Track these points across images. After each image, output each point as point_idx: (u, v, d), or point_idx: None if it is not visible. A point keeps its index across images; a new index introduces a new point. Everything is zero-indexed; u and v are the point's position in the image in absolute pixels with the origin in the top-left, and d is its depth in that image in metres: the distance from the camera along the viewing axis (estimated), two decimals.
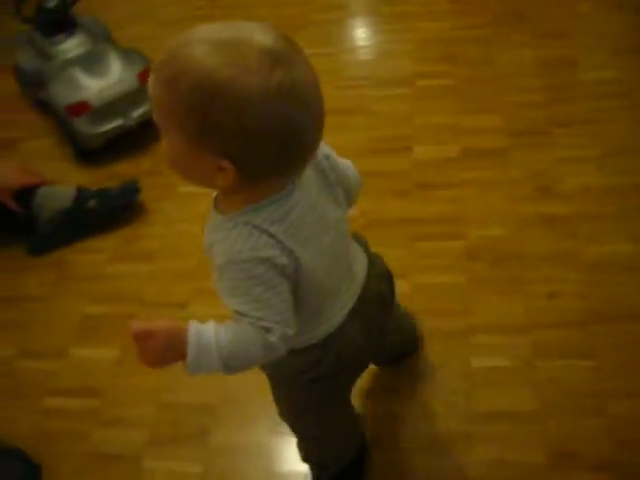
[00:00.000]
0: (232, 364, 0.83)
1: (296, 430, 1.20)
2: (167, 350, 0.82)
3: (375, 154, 1.97)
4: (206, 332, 0.83)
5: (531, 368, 1.40)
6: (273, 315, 0.82)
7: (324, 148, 0.91)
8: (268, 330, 0.82)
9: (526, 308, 1.51)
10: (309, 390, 1.04)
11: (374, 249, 1.05)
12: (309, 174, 0.87)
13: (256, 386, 1.28)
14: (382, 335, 1.09)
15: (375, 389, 1.43)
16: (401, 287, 1.57)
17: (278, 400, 1.14)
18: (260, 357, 0.84)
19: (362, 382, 1.39)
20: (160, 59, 0.75)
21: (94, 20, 2.40)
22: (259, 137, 0.74)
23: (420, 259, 1.66)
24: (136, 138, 2.16)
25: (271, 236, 0.81)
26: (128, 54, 2.18)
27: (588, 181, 1.77)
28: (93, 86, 2.08)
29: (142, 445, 1.41)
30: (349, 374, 1.09)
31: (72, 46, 2.22)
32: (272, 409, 1.17)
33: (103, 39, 2.31)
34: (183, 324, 0.84)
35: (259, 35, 0.74)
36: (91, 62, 2.14)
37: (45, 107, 2.31)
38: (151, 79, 0.77)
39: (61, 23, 2.26)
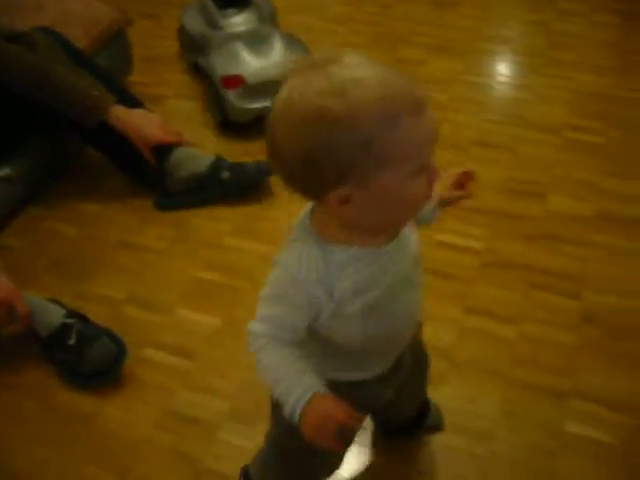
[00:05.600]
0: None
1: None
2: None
3: (510, 194, 1.94)
4: None
5: (629, 453, 1.35)
6: None
7: None
8: None
9: (635, 387, 1.46)
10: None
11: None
12: None
13: None
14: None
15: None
16: (507, 332, 1.56)
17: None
18: None
19: None
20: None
21: (266, 1, 2.47)
22: None
23: (533, 309, 1.62)
24: None
25: None
26: (291, 41, 2.22)
27: None
28: (252, 64, 2.13)
29: (222, 416, 1.44)
30: None
31: (241, 21, 2.30)
32: None
33: (269, 21, 2.37)
34: None
35: None
36: (255, 41, 2.20)
37: (199, 72, 2.39)
38: None
39: None
